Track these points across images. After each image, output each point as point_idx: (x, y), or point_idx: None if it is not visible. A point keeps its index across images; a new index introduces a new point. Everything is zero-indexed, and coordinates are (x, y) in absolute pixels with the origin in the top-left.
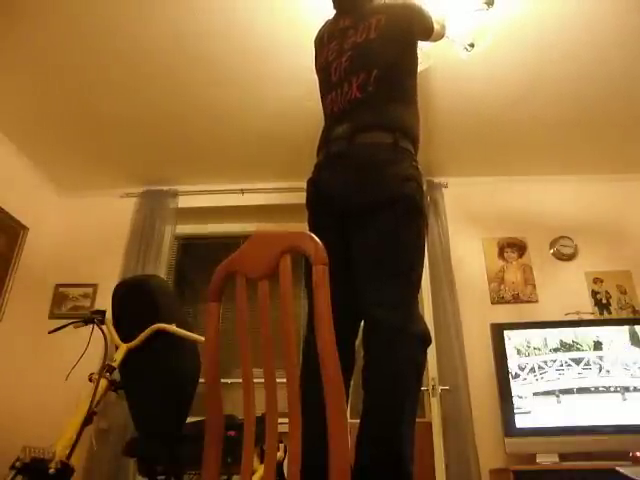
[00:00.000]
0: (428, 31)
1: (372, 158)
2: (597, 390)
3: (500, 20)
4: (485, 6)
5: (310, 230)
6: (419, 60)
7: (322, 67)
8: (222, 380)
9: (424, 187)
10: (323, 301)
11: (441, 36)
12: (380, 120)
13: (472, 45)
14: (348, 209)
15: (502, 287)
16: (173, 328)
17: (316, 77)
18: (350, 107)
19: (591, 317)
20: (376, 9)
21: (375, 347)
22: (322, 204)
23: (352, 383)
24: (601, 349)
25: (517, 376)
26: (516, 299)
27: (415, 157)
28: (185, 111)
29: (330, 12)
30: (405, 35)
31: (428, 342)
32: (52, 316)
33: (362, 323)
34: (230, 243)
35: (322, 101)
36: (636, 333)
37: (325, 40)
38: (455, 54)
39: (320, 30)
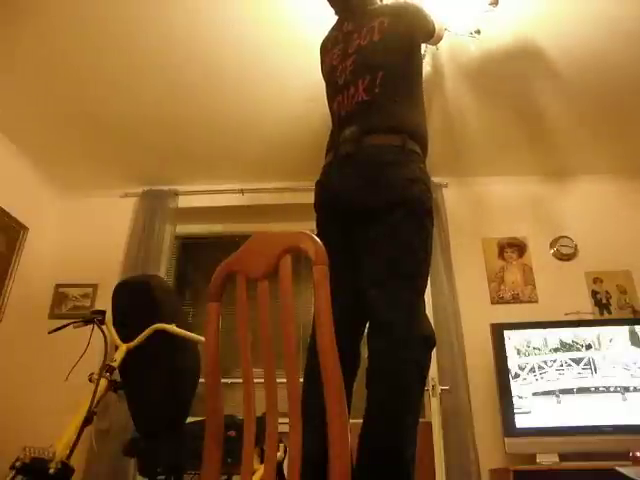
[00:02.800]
0: (430, 33)
1: (379, 160)
2: (597, 390)
3: (502, 16)
4: (491, 7)
5: (317, 231)
6: (425, 54)
7: (328, 72)
8: (222, 380)
9: (432, 189)
10: (323, 301)
11: (440, 38)
12: (387, 122)
13: (478, 31)
14: (355, 211)
15: (502, 287)
16: (173, 328)
17: (318, 77)
18: (357, 109)
19: (591, 317)
20: (379, 12)
21: (379, 348)
22: (330, 205)
23: (355, 384)
24: (601, 349)
25: (517, 376)
26: (516, 299)
27: (423, 159)
28: (185, 111)
29: (333, 16)
30: (409, 37)
31: (433, 344)
32: (52, 316)
33: (367, 324)
34: (230, 243)
35: (329, 105)
36: (636, 333)
37: (329, 46)
38: (455, 54)
39: (325, 37)
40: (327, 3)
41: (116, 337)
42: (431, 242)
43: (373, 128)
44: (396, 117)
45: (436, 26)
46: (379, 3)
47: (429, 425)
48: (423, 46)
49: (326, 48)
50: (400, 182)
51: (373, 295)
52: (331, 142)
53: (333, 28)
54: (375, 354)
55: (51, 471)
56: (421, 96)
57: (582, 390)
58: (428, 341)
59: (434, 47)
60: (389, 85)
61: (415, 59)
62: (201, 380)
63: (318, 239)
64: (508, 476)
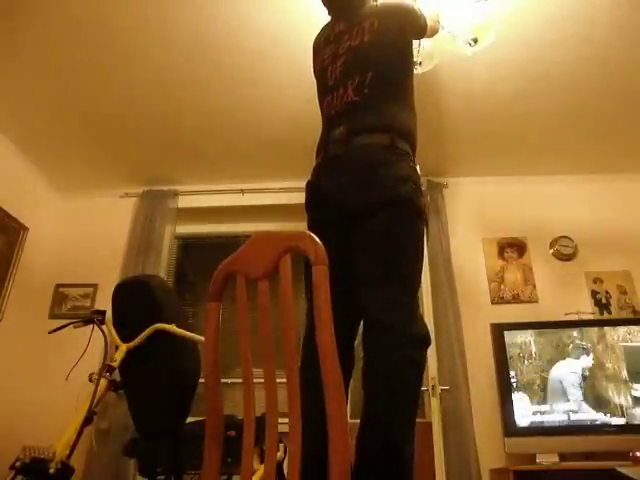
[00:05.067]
0: (422, 30)
1: (369, 160)
2: (597, 390)
3: (502, 15)
4: None
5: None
6: (420, 60)
7: (319, 71)
8: (222, 380)
9: (422, 188)
10: (323, 301)
11: (436, 31)
12: (376, 122)
13: (475, 40)
14: (346, 211)
15: (502, 287)
16: (173, 328)
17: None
18: (347, 109)
19: (591, 317)
20: (369, 13)
21: (374, 347)
22: (321, 206)
23: (352, 383)
24: (601, 349)
25: (517, 376)
26: (516, 299)
27: (413, 158)
28: (185, 111)
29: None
30: (399, 37)
31: (427, 342)
32: (52, 316)
33: (362, 323)
34: (230, 243)
35: (320, 105)
36: (636, 333)
37: (321, 45)
38: (455, 53)
39: (317, 35)
40: (321, 3)
41: (116, 337)
42: (423, 241)
43: (362, 128)
44: (385, 116)
45: (428, 21)
46: (371, 3)
47: (429, 425)
48: (423, 48)
49: (319, 46)
50: (390, 181)
51: (366, 295)
52: (321, 143)
53: (326, 27)
54: (371, 354)
55: (51, 471)
56: (411, 95)
57: (582, 390)
58: (423, 340)
59: (435, 62)
60: (378, 85)
61: (406, 59)
62: (201, 380)
63: (318, 239)
64: (508, 476)
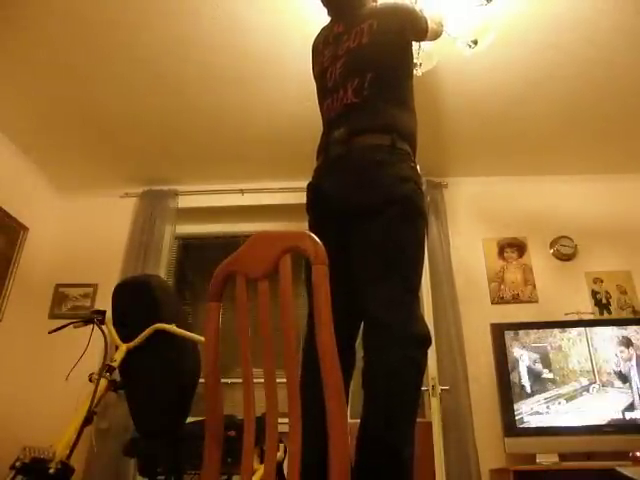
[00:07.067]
0: (422, 32)
1: (370, 160)
2: (597, 390)
3: (502, 18)
4: (484, 1)
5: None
6: (420, 61)
7: (318, 73)
8: (222, 380)
9: (423, 188)
10: (323, 301)
11: (439, 34)
12: (377, 122)
13: (475, 42)
14: (347, 211)
15: (502, 287)
16: (173, 328)
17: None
18: (346, 111)
19: (591, 317)
20: (368, 14)
21: (374, 347)
22: (322, 207)
23: (352, 383)
24: (601, 349)
25: (517, 376)
26: (516, 299)
27: (413, 158)
28: (185, 111)
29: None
30: (398, 38)
31: (428, 343)
32: (52, 316)
33: (362, 324)
34: (230, 243)
35: (320, 107)
36: (636, 333)
37: (320, 47)
38: (457, 54)
39: (316, 36)
40: (321, 3)
41: (116, 337)
42: (424, 241)
43: (362, 129)
44: (385, 117)
45: (430, 24)
46: (371, 4)
47: (429, 425)
48: (423, 51)
49: (318, 49)
50: (391, 181)
51: (367, 295)
52: (321, 144)
53: (325, 27)
54: (371, 354)
55: (51, 471)
56: (411, 95)
57: (582, 390)
58: (424, 340)
59: (434, 62)
60: (378, 86)
61: (405, 60)
62: (201, 380)
63: (318, 239)
64: (508, 476)
